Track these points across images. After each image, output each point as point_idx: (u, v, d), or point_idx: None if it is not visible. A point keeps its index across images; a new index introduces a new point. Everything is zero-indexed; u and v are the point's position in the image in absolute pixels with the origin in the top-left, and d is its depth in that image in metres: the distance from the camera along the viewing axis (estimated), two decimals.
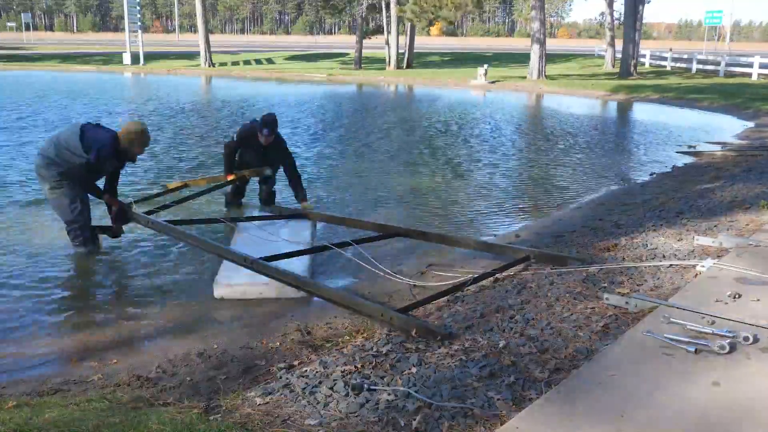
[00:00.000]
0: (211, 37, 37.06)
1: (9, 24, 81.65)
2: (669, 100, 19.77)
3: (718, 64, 29.10)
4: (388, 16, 34.18)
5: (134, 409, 2.78)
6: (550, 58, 30.40)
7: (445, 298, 4.21)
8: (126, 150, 5.13)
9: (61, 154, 5.00)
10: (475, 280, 4.44)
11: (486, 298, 4.13)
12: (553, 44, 46.82)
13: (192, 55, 37.99)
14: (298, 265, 4.72)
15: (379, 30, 38.24)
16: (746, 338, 2.89)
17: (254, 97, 20.79)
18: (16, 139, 11.13)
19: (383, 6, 34.86)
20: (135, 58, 35.12)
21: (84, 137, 4.99)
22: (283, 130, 7.93)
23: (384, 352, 3.22)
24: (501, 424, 2.35)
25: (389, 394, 2.71)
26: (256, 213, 6.55)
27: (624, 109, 19.25)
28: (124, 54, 35.54)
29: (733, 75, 27.80)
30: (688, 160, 10.33)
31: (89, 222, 5.31)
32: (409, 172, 9.40)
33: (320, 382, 2.88)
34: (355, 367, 3.06)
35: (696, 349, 2.81)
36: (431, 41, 79.50)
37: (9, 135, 11.53)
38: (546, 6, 28.60)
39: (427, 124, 15.37)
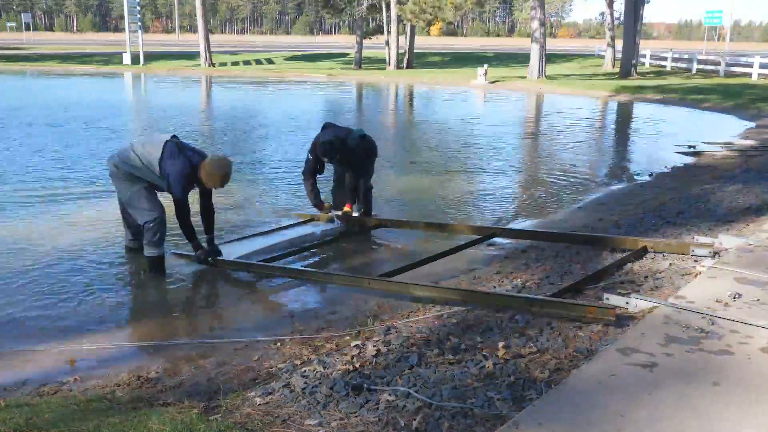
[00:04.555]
0: (211, 37, 37.03)
1: (9, 24, 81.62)
2: (670, 101, 19.76)
3: (718, 64, 29.07)
4: (388, 16, 34.16)
5: (134, 409, 2.78)
6: (550, 58, 30.38)
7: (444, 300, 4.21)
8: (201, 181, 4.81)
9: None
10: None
11: None
12: (553, 44, 46.81)
13: (192, 55, 37.96)
14: None
15: (379, 30, 38.20)
16: (746, 338, 2.89)
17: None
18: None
19: (383, 6, 34.85)
20: (135, 59, 35.09)
21: (162, 160, 4.67)
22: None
23: (384, 352, 3.22)
24: (501, 424, 2.35)
25: (389, 394, 2.71)
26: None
27: (625, 109, 19.25)
28: (124, 54, 35.49)
29: (733, 75, 27.78)
30: (688, 160, 10.32)
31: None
32: (407, 171, 9.40)
33: (320, 382, 2.87)
34: (355, 367, 3.06)
35: (696, 349, 2.81)
36: (431, 41, 79.48)
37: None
38: (546, 6, 28.58)
39: (426, 124, 15.37)
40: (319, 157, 5.86)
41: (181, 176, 4.66)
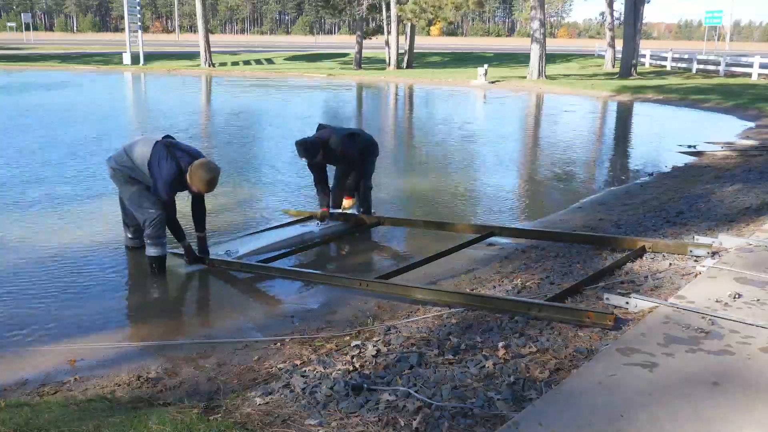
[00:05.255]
0: (211, 37, 37.02)
1: (9, 24, 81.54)
2: (670, 101, 19.76)
3: (718, 64, 29.08)
4: (388, 16, 34.16)
5: (134, 409, 2.78)
6: (550, 58, 30.37)
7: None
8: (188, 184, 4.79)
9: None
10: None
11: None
12: (553, 44, 46.76)
13: (192, 55, 37.97)
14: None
15: (379, 30, 38.22)
16: (746, 338, 2.89)
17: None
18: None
19: (383, 6, 34.86)
20: (135, 58, 35.10)
21: (151, 161, 4.68)
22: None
23: (384, 352, 3.22)
24: (501, 424, 2.35)
25: (389, 394, 2.71)
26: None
27: (625, 109, 19.24)
28: (124, 54, 35.50)
29: (733, 75, 27.78)
30: (689, 160, 10.32)
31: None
32: (407, 170, 9.40)
33: (320, 382, 2.88)
34: (355, 367, 3.06)
35: (696, 349, 2.81)
36: (431, 41, 79.47)
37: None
38: (546, 6, 28.58)
39: (426, 124, 15.37)
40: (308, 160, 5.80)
41: (167, 181, 4.66)
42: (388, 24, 34.49)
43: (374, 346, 3.31)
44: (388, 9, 34.18)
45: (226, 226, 6.18)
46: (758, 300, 3.39)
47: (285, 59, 41.11)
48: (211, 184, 4.72)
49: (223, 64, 35.68)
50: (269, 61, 39.92)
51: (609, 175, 9.45)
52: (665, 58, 34.04)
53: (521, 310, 3.63)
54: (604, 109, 19.67)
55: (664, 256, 4.63)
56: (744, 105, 17.94)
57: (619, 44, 29.95)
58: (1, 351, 3.70)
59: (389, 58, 34.66)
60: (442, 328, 3.55)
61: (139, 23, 36.89)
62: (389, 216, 6.34)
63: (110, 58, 37.38)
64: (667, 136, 13.08)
